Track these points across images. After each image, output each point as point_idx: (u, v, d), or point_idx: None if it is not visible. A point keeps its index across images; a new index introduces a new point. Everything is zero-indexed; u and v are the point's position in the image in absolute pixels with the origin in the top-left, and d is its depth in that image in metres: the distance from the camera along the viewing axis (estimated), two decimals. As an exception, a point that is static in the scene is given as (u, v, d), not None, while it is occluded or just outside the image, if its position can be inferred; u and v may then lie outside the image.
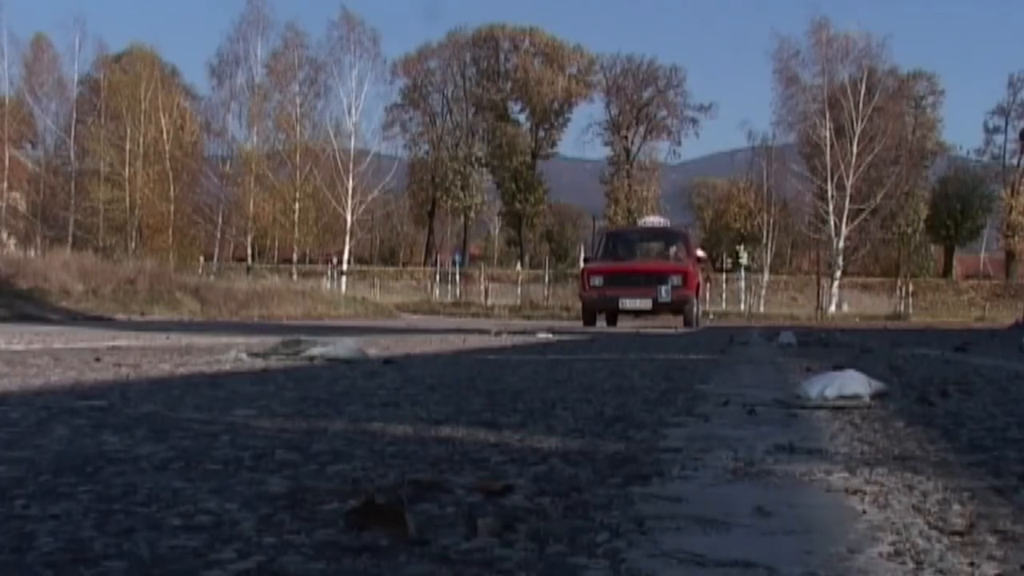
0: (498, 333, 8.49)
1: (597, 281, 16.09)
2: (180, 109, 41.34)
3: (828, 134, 37.69)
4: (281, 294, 19.07)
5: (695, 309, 16.38)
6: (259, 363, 3.49)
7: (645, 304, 15.74)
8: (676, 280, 15.67)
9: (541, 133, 50.41)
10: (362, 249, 45.94)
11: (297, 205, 39.36)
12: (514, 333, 8.55)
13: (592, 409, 2.05)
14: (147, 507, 1.02)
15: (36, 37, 41.78)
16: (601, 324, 17.22)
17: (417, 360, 3.55)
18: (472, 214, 48.52)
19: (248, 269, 34.12)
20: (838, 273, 38.57)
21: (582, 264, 18.48)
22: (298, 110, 40.64)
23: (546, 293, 35.68)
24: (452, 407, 2.04)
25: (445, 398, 2.24)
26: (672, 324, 16.82)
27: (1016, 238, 44.97)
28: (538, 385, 2.64)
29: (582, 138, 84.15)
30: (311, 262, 41.54)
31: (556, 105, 51.44)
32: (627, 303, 15.84)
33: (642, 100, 51.09)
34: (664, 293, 15.42)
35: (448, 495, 1.10)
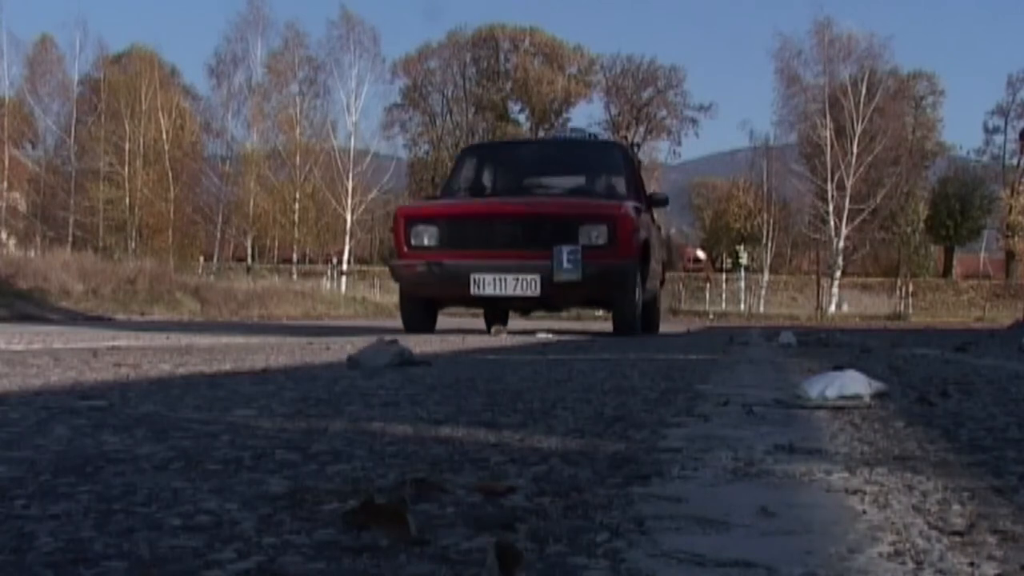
0: (498, 333, 8.49)
1: (427, 237, 7.95)
2: (180, 109, 41.36)
3: (828, 134, 37.69)
4: (281, 294, 19.09)
5: (639, 296, 8.18)
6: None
7: (527, 285, 7.67)
8: (596, 234, 7.73)
9: (541, 133, 50.53)
10: (362, 249, 45.94)
11: (297, 205, 39.36)
12: (514, 333, 8.55)
13: (592, 409, 2.05)
14: (147, 507, 1.02)
15: (40, 38, 41.86)
16: (457, 326, 9.97)
17: (417, 360, 3.55)
18: (472, 214, 48.47)
19: (248, 269, 34.15)
20: (838, 273, 38.58)
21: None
22: (298, 110, 40.63)
23: (546, 293, 35.59)
24: (452, 407, 2.04)
25: (445, 398, 2.24)
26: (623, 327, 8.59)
27: (1016, 238, 44.98)
28: (538, 385, 2.65)
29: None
30: (311, 262, 41.56)
31: (556, 105, 51.46)
32: (488, 283, 7.68)
33: (642, 100, 51.13)
34: (567, 262, 7.53)
35: (448, 495, 1.10)
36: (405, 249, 7.97)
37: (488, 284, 7.73)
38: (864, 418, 1.99)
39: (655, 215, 10.56)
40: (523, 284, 7.69)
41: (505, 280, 7.70)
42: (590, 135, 10.54)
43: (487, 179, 9.43)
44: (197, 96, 45.04)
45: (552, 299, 8.29)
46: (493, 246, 7.82)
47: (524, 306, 9.34)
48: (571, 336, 7.93)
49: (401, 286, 8.24)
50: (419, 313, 8.29)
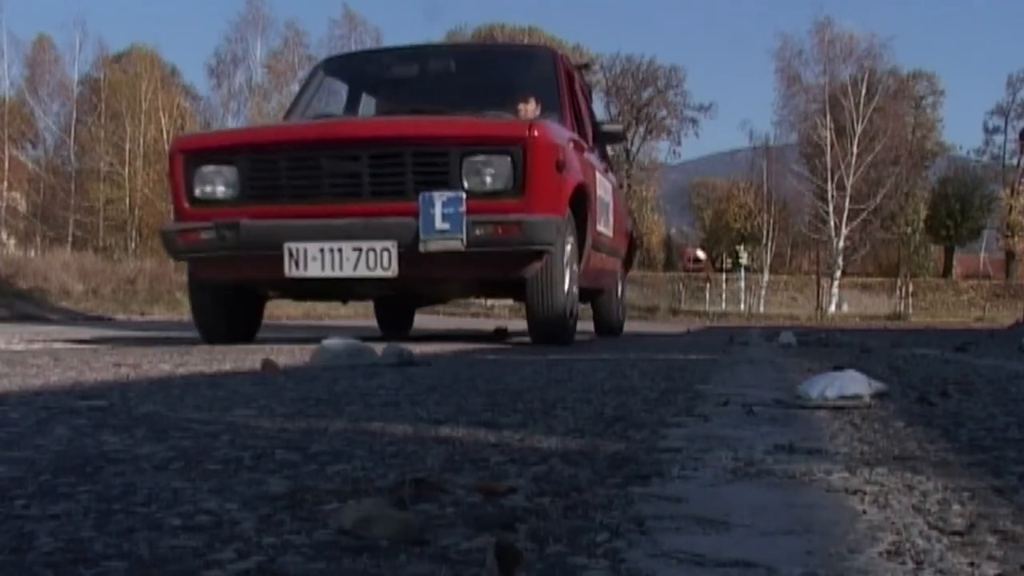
0: (498, 332, 8.48)
1: (219, 184, 5.15)
2: (180, 109, 41.35)
3: (829, 134, 37.70)
4: (281, 294, 19.03)
5: (571, 279, 5.37)
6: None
7: (376, 260, 4.88)
8: (492, 173, 4.94)
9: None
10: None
11: (297, 205, 39.27)
12: (514, 333, 8.55)
13: (592, 409, 2.05)
14: (147, 507, 1.02)
15: (38, 38, 41.84)
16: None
17: (417, 360, 3.55)
18: (472, 214, 48.45)
19: (248, 269, 34.04)
20: (838, 273, 38.59)
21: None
22: (298, 110, 40.56)
23: (546, 293, 35.58)
24: (452, 407, 2.04)
25: (445, 398, 2.24)
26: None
27: (1016, 238, 44.98)
28: (538, 385, 2.65)
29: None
30: (311, 262, 41.46)
31: (556, 105, 51.36)
32: (311, 257, 4.91)
33: (642, 100, 51.08)
34: (442, 220, 4.79)
35: (448, 495, 1.10)
36: (186, 204, 5.11)
37: (312, 259, 4.88)
38: (864, 418, 1.99)
39: (613, 169, 7.80)
40: (369, 258, 4.83)
41: (340, 252, 4.85)
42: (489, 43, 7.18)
43: (347, 109, 6.59)
44: (197, 96, 45.06)
45: (418, 282, 5.33)
46: (321, 196, 4.97)
47: (373, 293, 6.06)
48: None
49: (189, 267, 5.46)
50: (217, 309, 5.39)
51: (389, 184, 5.01)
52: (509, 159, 4.96)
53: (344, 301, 7.09)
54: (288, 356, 3.99)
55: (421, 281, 5.39)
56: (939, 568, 0.85)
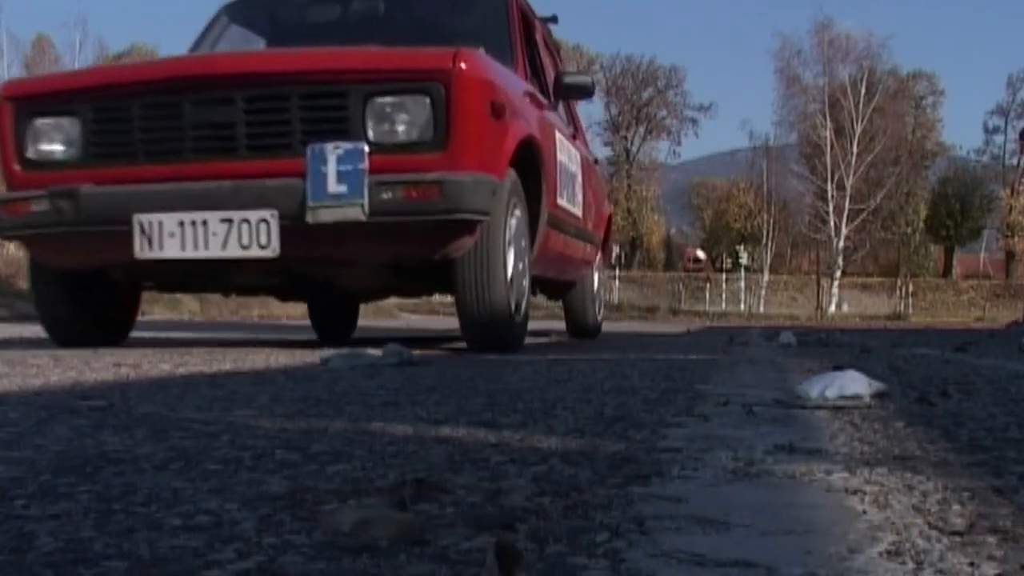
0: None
1: (57, 140, 4.10)
2: (180, 109, 41.21)
3: (828, 134, 37.72)
4: (281, 294, 19.02)
5: (514, 265, 4.27)
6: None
7: (252, 236, 3.81)
8: (404, 117, 3.85)
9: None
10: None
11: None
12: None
13: (592, 409, 2.05)
14: (147, 507, 1.02)
15: (37, 37, 41.82)
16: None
17: (417, 360, 3.55)
18: (472, 214, 48.41)
19: (248, 269, 34.01)
20: (838, 273, 38.61)
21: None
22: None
23: (546, 293, 35.59)
24: (452, 407, 2.04)
25: (445, 398, 2.24)
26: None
27: (1016, 238, 45.02)
28: (538, 385, 2.65)
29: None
30: (311, 262, 41.45)
31: (556, 105, 51.36)
32: (167, 233, 3.85)
33: (642, 100, 51.09)
34: (338, 180, 3.71)
35: (448, 495, 1.10)
36: (16, 167, 4.15)
37: (169, 235, 3.89)
38: (864, 418, 1.99)
39: (586, 141, 6.96)
40: (242, 233, 3.82)
41: (205, 226, 3.86)
42: None
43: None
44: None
45: (308, 265, 4.22)
46: (183, 153, 3.98)
47: (256, 281, 4.63)
48: (571, 336, 7.86)
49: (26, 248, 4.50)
50: (68, 302, 4.46)
51: (271, 136, 3.93)
52: (427, 100, 3.85)
53: (225, 293, 5.42)
54: (288, 356, 4.00)
55: (312, 264, 4.22)
56: (939, 568, 0.85)
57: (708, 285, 38.92)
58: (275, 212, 3.85)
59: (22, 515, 0.98)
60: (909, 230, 44.89)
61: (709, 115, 55.62)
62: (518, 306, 4.40)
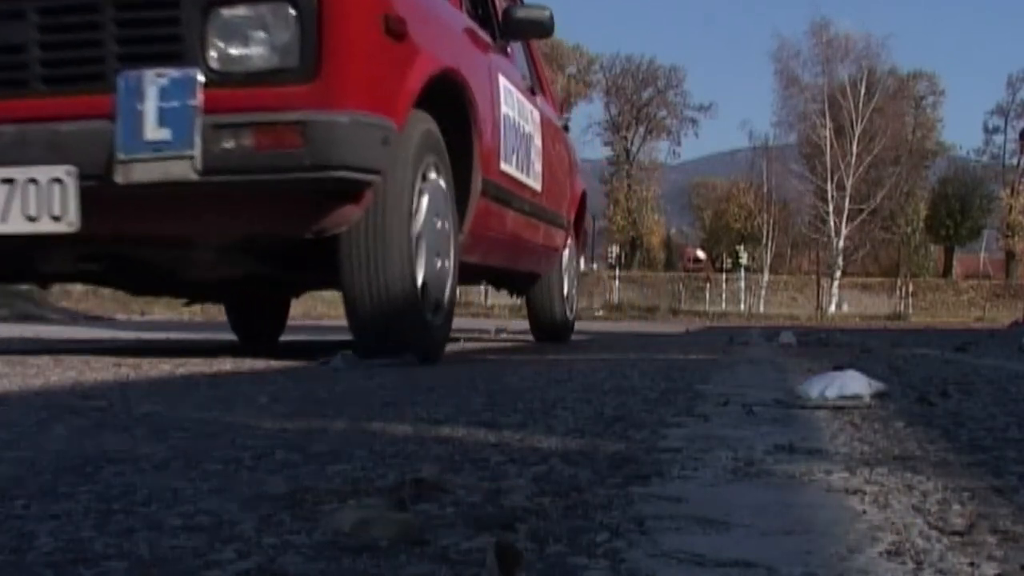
0: (498, 332, 8.49)
1: None
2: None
3: (828, 134, 37.73)
4: (281, 294, 18.98)
5: (421, 245, 3.23)
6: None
7: (41, 201, 2.81)
8: (257, 42, 2.82)
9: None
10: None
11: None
12: (514, 333, 8.55)
13: (592, 409, 2.05)
14: (147, 507, 1.02)
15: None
16: None
17: (416, 360, 3.55)
18: (472, 214, 48.42)
19: (248, 269, 34.00)
20: (838, 273, 38.61)
21: None
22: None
23: (546, 293, 35.54)
24: (452, 407, 2.04)
25: (445, 398, 2.24)
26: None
27: (1016, 238, 45.04)
28: (538, 385, 2.65)
29: (582, 138, 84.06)
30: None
31: (556, 105, 51.39)
32: None
33: (642, 100, 51.10)
34: (155, 122, 2.70)
35: (448, 495, 1.10)
36: None
37: None
38: (864, 418, 1.99)
39: (555, 103, 6.09)
40: (27, 199, 2.91)
41: None
42: None
43: None
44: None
45: (119, 247, 3.30)
46: None
47: (64, 269, 3.64)
48: (571, 336, 7.86)
49: None
50: None
51: (74, 62, 2.96)
52: (291, 10, 2.85)
53: (41, 285, 4.48)
54: (287, 356, 4.00)
55: (127, 243, 3.23)
56: (939, 568, 0.85)
57: (708, 285, 38.92)
58: (72, 169, 2.85)
59: (22, 515, 0.98)
60: (909, 230, 44.90)
61: (709, 115, 55.73)
62: (435, 303, 3.40)
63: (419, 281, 3.26)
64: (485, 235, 4.11)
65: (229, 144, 2.78)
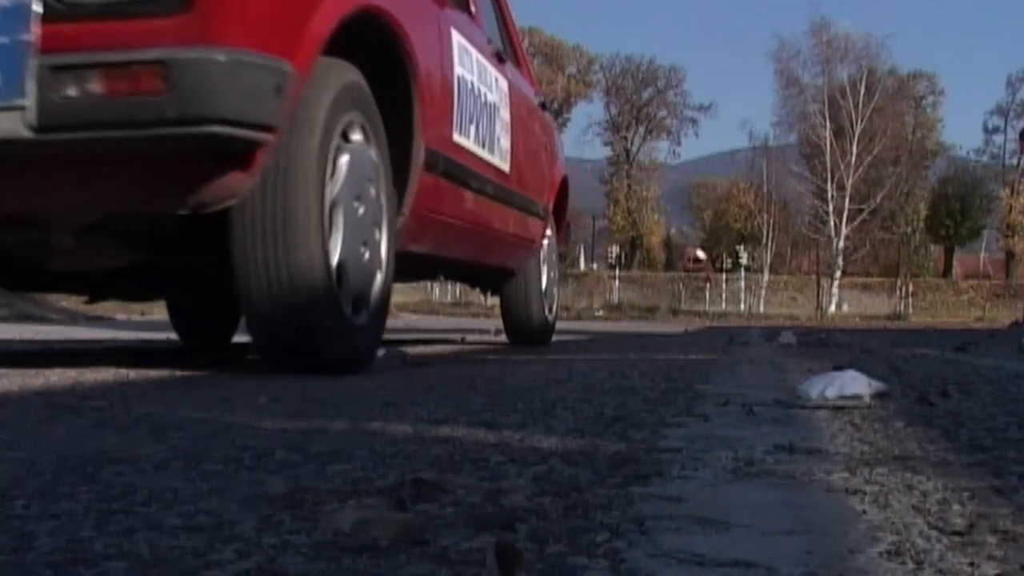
0: (498, 333, 8.48)
1: None
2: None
3: (828, 134, 37.74)
4: (281, 294, 18.99)
5: (337, 225, 2.59)
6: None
7: None
8: None
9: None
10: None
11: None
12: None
13: (592, 409, 2.05)
14: (147, 507, 1.02)
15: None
16: None
17: (417, 360, 3.55)
18: (472, 214, 48.44)
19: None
20: (838, 273, 38.61)
21: None
22: (298, 110, 40.56)
23: (546, 293, 35.55)
24: (452, 407, 2.04)
25: (445, 398, 2.24)
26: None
27: (1016, 238, 45.04)
28: (538, 385, 2.65)
29: (582, 138, 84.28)
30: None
31: (555, 105, 51.49)
32: None
33: (642, 100, 51.12)
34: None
35: (448, 495, 1.10)
36: None
37: None
38: (864, 418, 1.99)
39: (532, 78, 5.66)
40: None
41: None
42: None
43: None
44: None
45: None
46: None
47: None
48: (571, 336, 7.89)
49: None
50: None
51: None
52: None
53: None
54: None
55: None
56: (939, 568, 0.85)
57: (708, 285, 38.92)
58: None
59: (22, 515, 0.98)
60: (909, 230, 44.90)
61: (709, 115, 55.76)
62: (358, 298, 2.78)
63: (333, 267, 2.62)
64: (435, 219, 3.47)
65: (72, 91, 2.19)
